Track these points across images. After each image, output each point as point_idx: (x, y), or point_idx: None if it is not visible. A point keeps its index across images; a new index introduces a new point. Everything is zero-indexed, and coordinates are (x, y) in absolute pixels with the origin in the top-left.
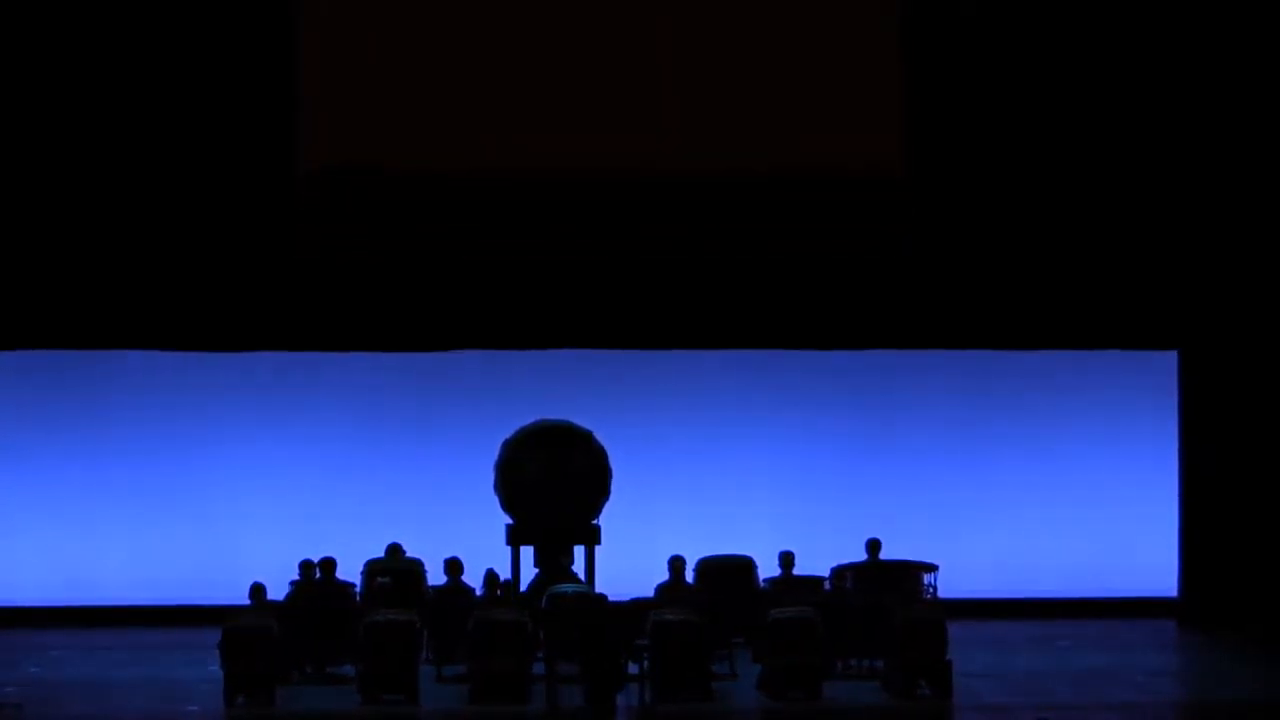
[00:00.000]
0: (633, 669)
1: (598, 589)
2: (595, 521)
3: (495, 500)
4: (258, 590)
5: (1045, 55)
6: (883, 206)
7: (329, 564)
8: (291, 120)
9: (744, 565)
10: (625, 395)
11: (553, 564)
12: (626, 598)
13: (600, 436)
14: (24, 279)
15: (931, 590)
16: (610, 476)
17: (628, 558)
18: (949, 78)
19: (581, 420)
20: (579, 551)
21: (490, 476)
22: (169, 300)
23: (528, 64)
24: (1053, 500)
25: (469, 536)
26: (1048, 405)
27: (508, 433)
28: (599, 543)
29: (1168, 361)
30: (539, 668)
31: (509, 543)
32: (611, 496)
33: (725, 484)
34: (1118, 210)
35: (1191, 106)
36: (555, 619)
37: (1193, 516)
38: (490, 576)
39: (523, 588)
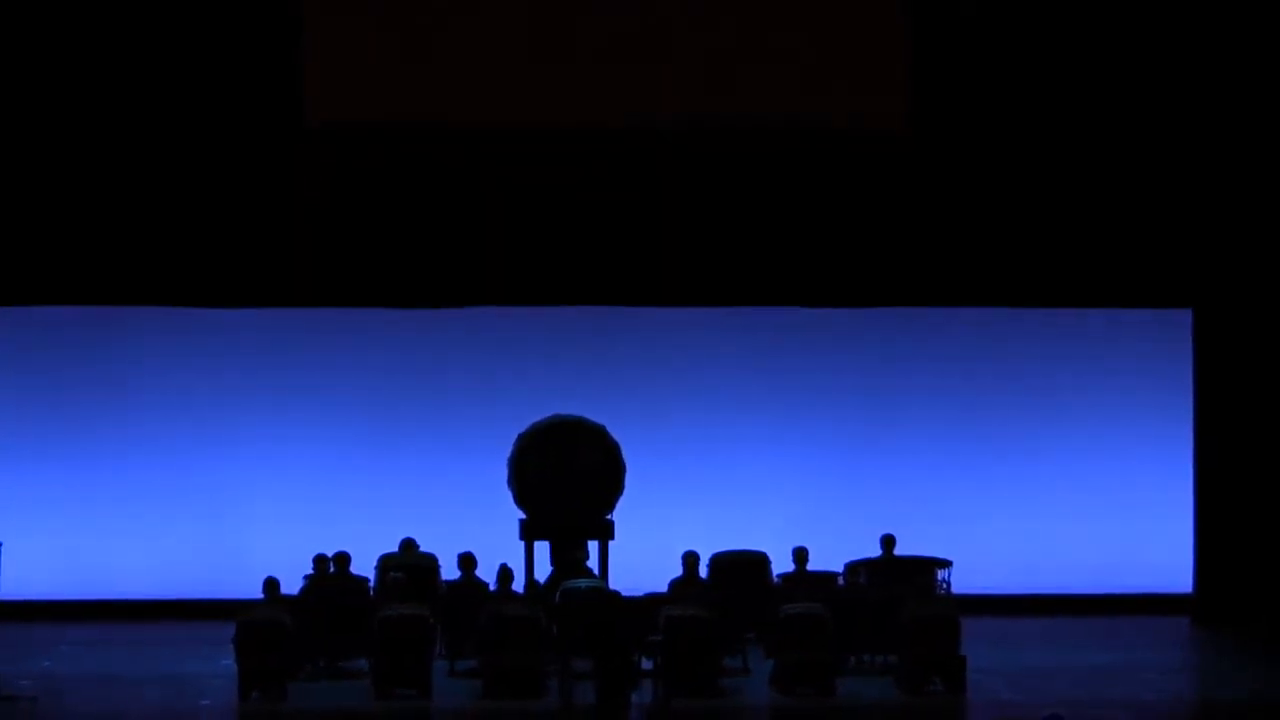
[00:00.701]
0: (647, 665)
1: (612, 584)
2: (609, 517)
3: (509, 495)
4: (271, 585)
5: (1055, 11)
6: (888, 162)
7: (343, 559)
8: (297, 75)
9: (758, 561)
10: (639, 385)
11: (567, 559)
12: (642, 593)
13: (614, 430)
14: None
15: (945, 586)
16: (624, 472)
17: (643, 553)
18: (957, 32)
19: (597, 416)
20: (593, 547)
21: (504, 471)
22: (173, 258)
23: (531, 17)
24: (1066, 496)
25: (482, 532)
26: (1057, 373)
27: (521, 427)
28: (612, 538)
29: (1182, 319)
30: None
31: (522, 538)
32: (626, 491)
33: (740, 480)
34: (1129, 164)
35: (1208, 61)
36: (568, 614)
37: (1207, 514)
38: (504, 571)
39: (532, 582)
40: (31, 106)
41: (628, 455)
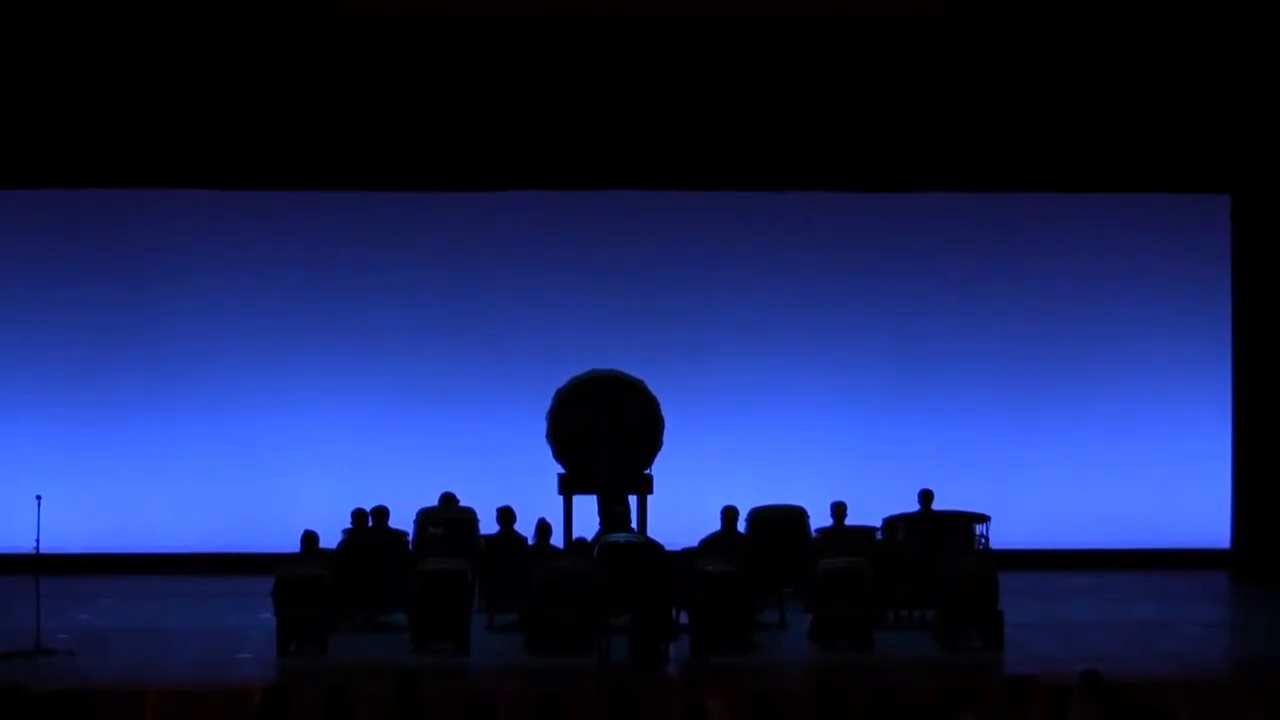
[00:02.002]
0: (683, 620)
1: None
2: (648, 472)
3: (548, 449)
4: (310, 539)
5: None
6: (923, 45)
7: (381, 513)
8: None
9: (796, 515)
10: (676, 336)
11: (613, 513)
12: (679, 548)
13: (653, 383)
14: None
15: (983, 541)
16: (662, 426)
17: (681, 508)
18: None
19: (637, 368)
20: (632, 502)
21: (543, 425)
22: (213, 141)
23: None
24: (1104, 449)
25: (522, 486)
26: (1089, 264)
27: (560, 381)
28: (651, 492)
29: (1219, 205)
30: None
31: (561, 492)
32: (664, 446)
33: (778, 434)
34: (1163, 41)
35: None
36: (610, 568)
37: (1246, 469)
38: (542, 526)
39: (571, 537)
40: None
41: (666, 409)
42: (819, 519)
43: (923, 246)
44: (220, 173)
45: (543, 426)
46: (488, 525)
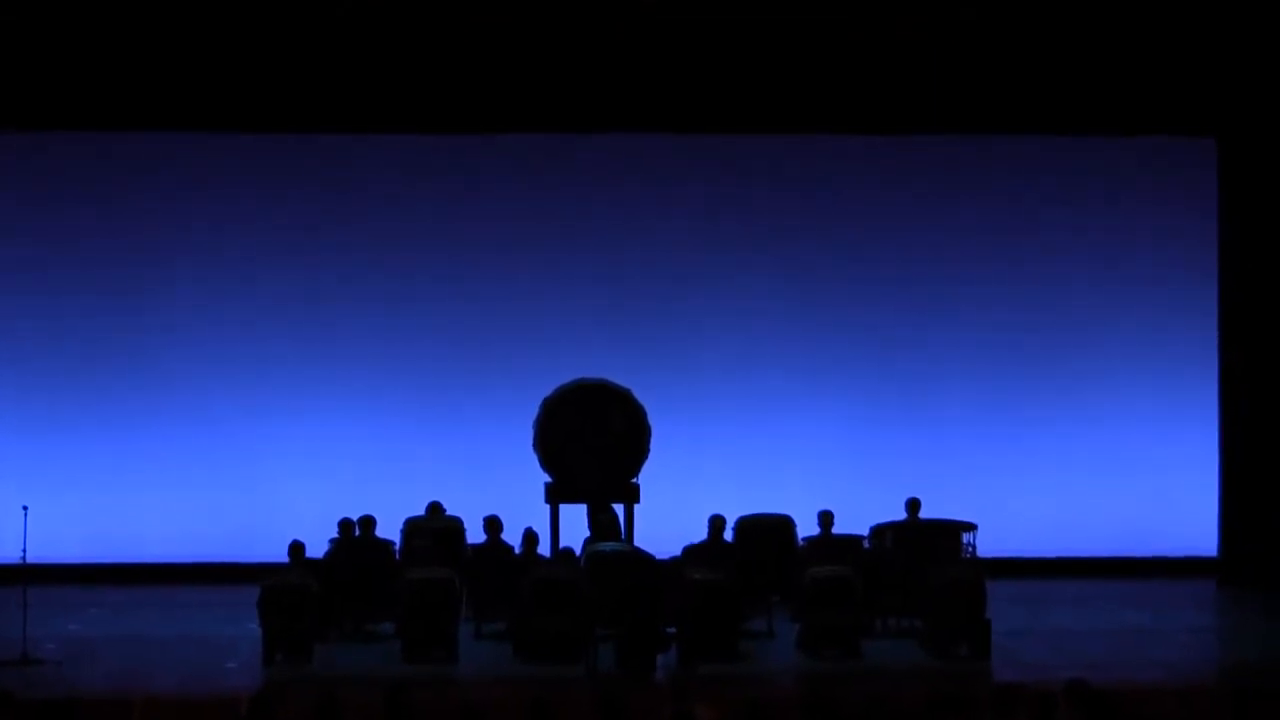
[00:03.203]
0: (669, 629)
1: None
2: (635, 480)
3: (535, 458)
4: (297, 548)
5: None
6: None
7: (368, 522)
8: None
9: (783, 524)
10: (664, 346)
11: (602, 521)
12: (665, 557)
13: (639, 392)
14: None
15: (970, 549)
16: (649, 435)
17: (667, 516)
18: None
19: (623, 378)
20: (619, 511)
21: (530, 434)
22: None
23: None
24: (1092, 460)
25: (509, 495)
26: (1074, 213)
27: (548, 391)
28: (638, 501)
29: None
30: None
31: (548, 501)
32: (651, 454)
33: (765, 442)
34: None
35: None
36: (599, 578)
37: (1232, 480)
38: (529, 535)
39: (558, 546)
40: None
41: (653, 418)
42: (806, 528)
43: (904, 201)
44: (208, 119)
45: (530, 435)
46: (475, 534)
